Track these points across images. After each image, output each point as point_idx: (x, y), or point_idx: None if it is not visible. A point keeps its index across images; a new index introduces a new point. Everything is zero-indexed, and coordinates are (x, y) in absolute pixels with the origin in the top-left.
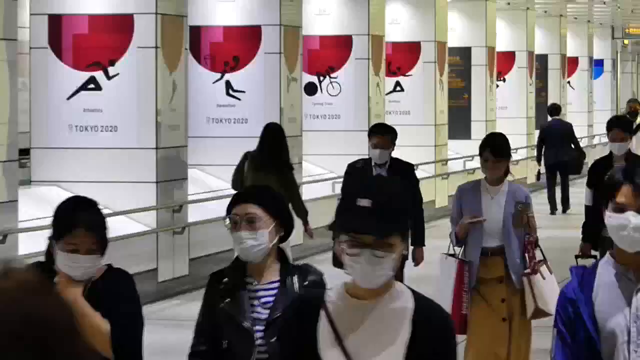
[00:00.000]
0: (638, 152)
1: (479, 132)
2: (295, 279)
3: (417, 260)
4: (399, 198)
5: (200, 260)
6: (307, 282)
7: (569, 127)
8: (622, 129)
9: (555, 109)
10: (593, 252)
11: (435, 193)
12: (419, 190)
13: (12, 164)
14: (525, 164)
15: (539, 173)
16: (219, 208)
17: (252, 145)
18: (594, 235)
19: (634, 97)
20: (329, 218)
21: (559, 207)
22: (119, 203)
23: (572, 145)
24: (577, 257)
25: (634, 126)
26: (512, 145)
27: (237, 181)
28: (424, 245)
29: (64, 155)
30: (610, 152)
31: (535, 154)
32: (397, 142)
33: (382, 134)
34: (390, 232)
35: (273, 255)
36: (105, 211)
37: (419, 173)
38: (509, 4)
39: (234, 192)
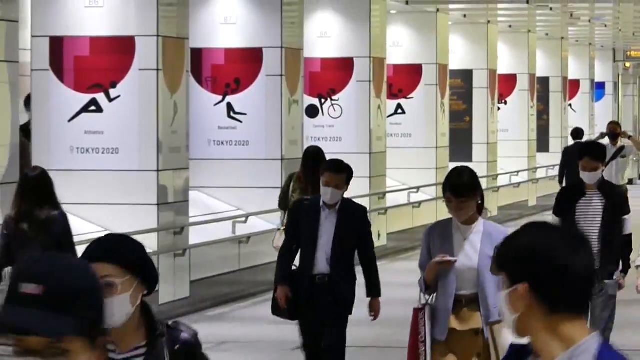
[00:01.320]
0: (618, 177)
1: (480, 154)
2: (165, 341)
3: (375, 312)
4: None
5: (202, 282)
6: (178, 346)
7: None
8: (593, 157)
9: (578, 133)
10: None
11: (437, 216)
12: (371, 237)
13: (14, 186)
14: (526, 187)
15: None
16: (221, 230)
17: (253, 167)
18: None
19: (636, 119)
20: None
21: None
22: (120, 225)
23: None
24: None
25: (616, 149)
26: (513, 168)
27: (283, 201)
28: (380, 296)
29: (65, 177)
30: (581, 180)
31: (536, 176)
32: (396, 164)
33: (337, 172)
34: (64, 331)
35: (137, 315)
36: (106, 233)
37: (419, 196)
38: (510, 26)
39: (236, 213)
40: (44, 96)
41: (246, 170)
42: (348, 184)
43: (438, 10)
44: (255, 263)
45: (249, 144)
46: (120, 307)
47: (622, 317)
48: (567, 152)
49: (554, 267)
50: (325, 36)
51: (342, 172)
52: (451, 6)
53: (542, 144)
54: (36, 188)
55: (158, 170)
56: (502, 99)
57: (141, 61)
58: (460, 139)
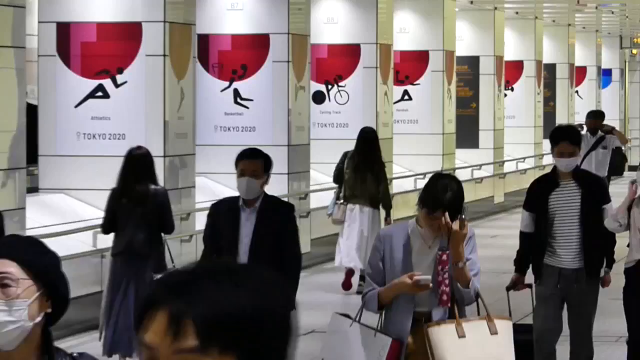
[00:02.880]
0: (599, 171)
1: (486, 141)
2: None
3: None
4: None
5: None
6: None
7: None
8: (571, 141)
9: (596, 115)
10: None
11: None
12: (294, 241)
13: (20, 172)
14: (533, 174)
15: None
16: None
17: None
18: (534, 264)
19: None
20: (336, 227)
21: None
22: None
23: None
24: (508, 289)
25: (595, 139)
26: (520, 154)
27: (337, 177)
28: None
29: (71, 162)
30: (554, 170)
31: (542, 163)
32: (403, 151)
33: (252, 158)
34: None
35: (34, 341)
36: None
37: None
38: (517, 13)
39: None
40: (50, 82)
41: None
42: (267, 174)
43: None
44: None
45: (256, 130)
46: (16, 316)
47: (604, 305)
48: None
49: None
50: (332, 22)
51: (258, 157)
52: None
53: (549, 131)
54: (138, 165)
55: (165, 156)
56: (509, 85)
57: (148, 47)
58: (467, 126)
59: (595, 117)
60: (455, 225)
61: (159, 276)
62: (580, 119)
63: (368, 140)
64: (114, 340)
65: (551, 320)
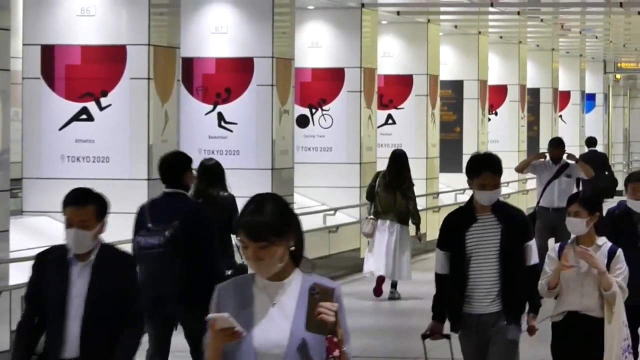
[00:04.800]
0: (562, 202)
1: None
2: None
3: None
4: None
5: None
6: None
7: (603, 157)
8: (495, 171)
9: (591, 142)
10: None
11: (427, 226)
12: (134, 299)
13: (4, 194)
14: (516, 198)
15: None
16: None
17: (244, 176)
18: (450, 311)
19: (626, 131)
20: (320, 250)
21: None
22: (110, 234)
23: (607, 172)
24: (424, 337)
25: (558, 166)
26: (504, 179)
27: (370, 194)
28: None
29: (55, 185)
30: (470, 202)
31: (525, 187)
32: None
33: (80, 205)
34: None
35: None
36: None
37: None
38: (501, 37)
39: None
40: (35, 104)
41: (236, 180)
42: (101, 221)
43: (429, 20)
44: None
45: (240, 153)
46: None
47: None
48: (583, 159)
49: None
50: (316, 46)
51: (87, 203)
52: (442, 17)
53: (538, 154)
54: (210, 173)
55: (149, 179)
56: (493, 109)
57: (132, 70)
58: (451, 150)
59: (558, 145)
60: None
61: (230, 272)
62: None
63: (398, 161)
64: None
65: None
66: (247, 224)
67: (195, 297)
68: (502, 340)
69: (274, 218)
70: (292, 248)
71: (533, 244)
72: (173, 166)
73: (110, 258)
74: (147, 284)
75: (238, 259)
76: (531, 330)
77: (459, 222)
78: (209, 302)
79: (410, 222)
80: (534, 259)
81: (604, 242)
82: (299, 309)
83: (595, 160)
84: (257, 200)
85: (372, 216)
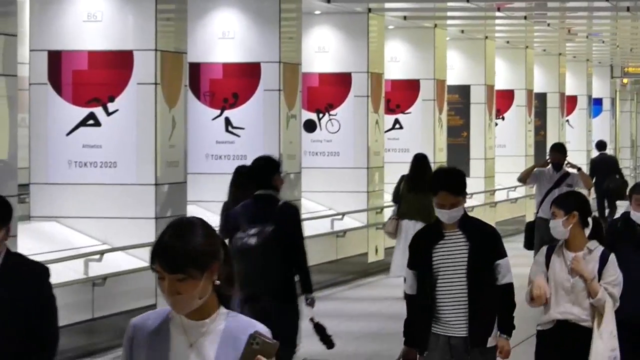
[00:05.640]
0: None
1: (477, 170)
2: None
3: None
4: None
5: None
6: None
7: (614, 160)
8: (452, 191)
9: (602, 145)
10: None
11: None
12: (54, 312)
13: (12, 200)
14: (524, 203)
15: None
16: None
17: None
18: (417, 333)
19: (633, 135)
20: (327, 255)
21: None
22: (117, 239)
23: (617, 175)
24: None
25: (559, 175)
26: (511, 183)
27: (395, 196)
28: None
29: (63, 190)
30: (438, 219)
31: (533, 192)
32: (394, 179)
33: None
34: None
35: None
36: (104, 247)
37: None
38: (508, 42)
39: None
40: (42, 110)
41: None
42: (6, 226)
43: (436, 25)
44: None
45: (247, 158)
46: None
47: None
48: (594, 163)
49: None
50: (323, 51)
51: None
52: (449, 22)
53: (540, 160)
54: (247, 179)
55: (156, 184)
56: (500, 114)
57: (139, 75)
58: (458, 155)
59: (561, 151)
60: None
61: None
62: (571, 148)
63: (420, 164)
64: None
65: None
66: (164, 253)
67: (287, 293)
68: None
69: (195, 247)
70: (217, 282)
71: (505, 262)
72: (263, 169)
73: (17, 267)
74: (244, 282)
75: None
76: (501, 352)
77: (426, 238)
78: (297, 297)
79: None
80: (506, 278)
81: (595, 247)
82: (220, 355)
83: (606, 163)
84: (177, 225)
85: (395, 216)
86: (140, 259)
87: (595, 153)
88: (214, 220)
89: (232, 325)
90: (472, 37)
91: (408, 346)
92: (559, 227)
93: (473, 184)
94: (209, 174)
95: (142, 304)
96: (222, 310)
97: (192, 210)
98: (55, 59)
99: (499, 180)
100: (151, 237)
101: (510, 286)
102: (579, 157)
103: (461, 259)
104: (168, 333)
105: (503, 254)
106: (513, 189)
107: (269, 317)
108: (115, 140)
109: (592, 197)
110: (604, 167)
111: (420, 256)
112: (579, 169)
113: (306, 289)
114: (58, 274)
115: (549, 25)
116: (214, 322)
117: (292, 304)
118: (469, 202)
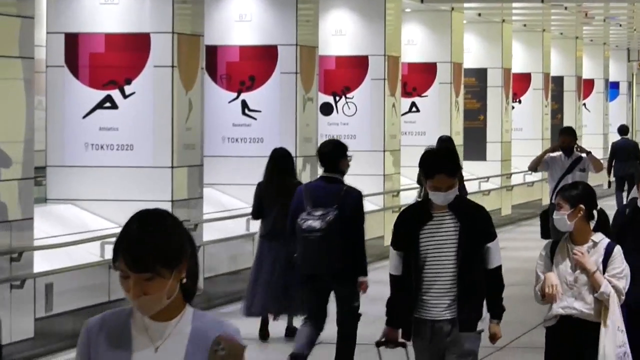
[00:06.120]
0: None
1: (494, 153)
2: None
3: None
4: None
5: (215, 279)
6: None
7: (634, 145)
8: (449, 173)
9: (624, 130)
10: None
11: None
12: None
13: (28, 182)
14: (540, 186)
15: (609, 182)
16: (235, 227)
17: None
18: (401, 317)
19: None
20: None
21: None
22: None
23: (638, 160)
24: (378, 344)
25: (572, 160)
26: (526, 168)
27: (420, 179)
28: None
29: (79, 173)
30: (427, 198)
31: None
32: (410, 162)
33: None
34: None
35: None
36: (120, 229)
37: None
38: (525, 25)
39: (250, 210)
40: (58, 93)
41: (260, 167)
42: None
43: (453, 8)
44: None
45: (264, 141)
46: None
47: None
48: (614, 148)
49: None
50: (340, 34)
51: None
52: (466, 5)
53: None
54: (281, 162)
55: (172, 167)
56: (516, 97)
57: (156, 58)
58: (475, 138)
59: (570, 134)
60: None
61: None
62: (588, 131)
63: (444, 146)
64: (262, 305)
65: None
66: (129, 250)
67: (348, 273)
68: (458, 351)
69: (163, 243)
70: (184, 280)
71: (495, 244)
72: (330, 153)
73: None
74: (305, 263)
75: None
76: (493, 337)
77: (413, 219)
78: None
79: None
80: (496, 261)
81: (600, 239)
82: (188, 354)
83: (627, 148)
84: (143, 220)
85: (420, 197)
86: None
87: (612, 137)
88: (231, 203)
89: (200, 326)
90: (489, 20)
91: (390, 327)
92: (564, 220)
93: (489, 167)
94: (226, 156)
95: None
96: (188, 309)
97: (208, 194)
98: (72, 41)
99: (516, 164)
100: None
101: (499, 269)
102: (595, 140)
103: (451, 241)
104: (129, 335)
105: (493, 237)
106: (529, 172)
107: (326, 294)
108: (132, 123)
109: (611, 179)
110: (624, 152)
111: (408, 237)
112: (589, 153)
113: (361, 272)
114: (74, 257)
115: (566, 8)
116: (180, 322)
117: (352, 285)
118: (484, 186)
